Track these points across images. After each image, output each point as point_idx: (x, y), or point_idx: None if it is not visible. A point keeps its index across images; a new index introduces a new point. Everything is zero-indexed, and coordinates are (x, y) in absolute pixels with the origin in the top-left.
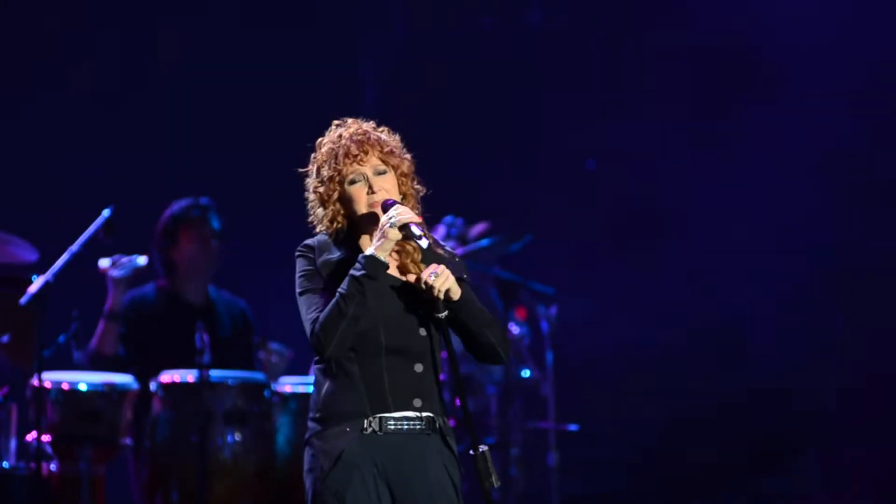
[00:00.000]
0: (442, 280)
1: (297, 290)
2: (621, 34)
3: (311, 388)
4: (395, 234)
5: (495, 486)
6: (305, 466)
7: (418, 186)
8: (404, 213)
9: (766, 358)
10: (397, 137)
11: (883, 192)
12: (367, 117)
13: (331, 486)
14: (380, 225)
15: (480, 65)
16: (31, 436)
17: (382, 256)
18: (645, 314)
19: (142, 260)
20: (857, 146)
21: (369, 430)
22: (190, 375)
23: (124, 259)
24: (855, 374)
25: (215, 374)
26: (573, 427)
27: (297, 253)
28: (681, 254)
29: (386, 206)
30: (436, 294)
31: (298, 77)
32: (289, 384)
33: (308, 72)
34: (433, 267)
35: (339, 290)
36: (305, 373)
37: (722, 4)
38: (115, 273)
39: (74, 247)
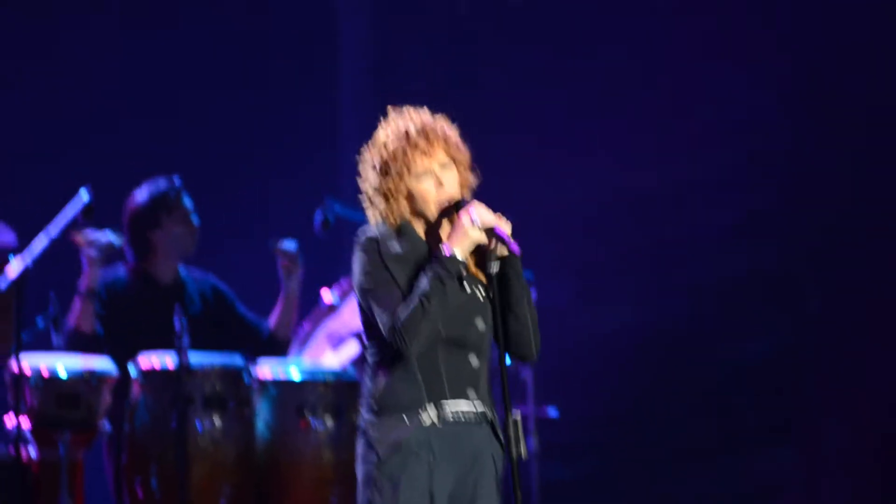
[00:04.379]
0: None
1: (363, 286)
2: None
3: (290, 375)
4: (478, 236)
5: (523, 456)
6: (359, 455)
7: (473, 178)
8: (485, 215)
9: (745, 342)
10: (455, 127)
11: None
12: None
13: (386, 471)
14: (461, 224)
15: (459, 45)
16: (9, 421)
17: (461, 256)
18: (624, 298)
19: (118, 239)
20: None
21: (428, 422)
22: (169, 360)
23: (101, 237)
24: (835, 356)
25: (195, 359)
26: (553, 412)
27: (359, 245)
28: (659, 238)
29: (459, 203)
30: (492, 243)
31: (271, 55)
32: (269, 370)
33: (281, 53)
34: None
35: (421, 290)
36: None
37: None
38: (92, 252)
39: (54, 233)
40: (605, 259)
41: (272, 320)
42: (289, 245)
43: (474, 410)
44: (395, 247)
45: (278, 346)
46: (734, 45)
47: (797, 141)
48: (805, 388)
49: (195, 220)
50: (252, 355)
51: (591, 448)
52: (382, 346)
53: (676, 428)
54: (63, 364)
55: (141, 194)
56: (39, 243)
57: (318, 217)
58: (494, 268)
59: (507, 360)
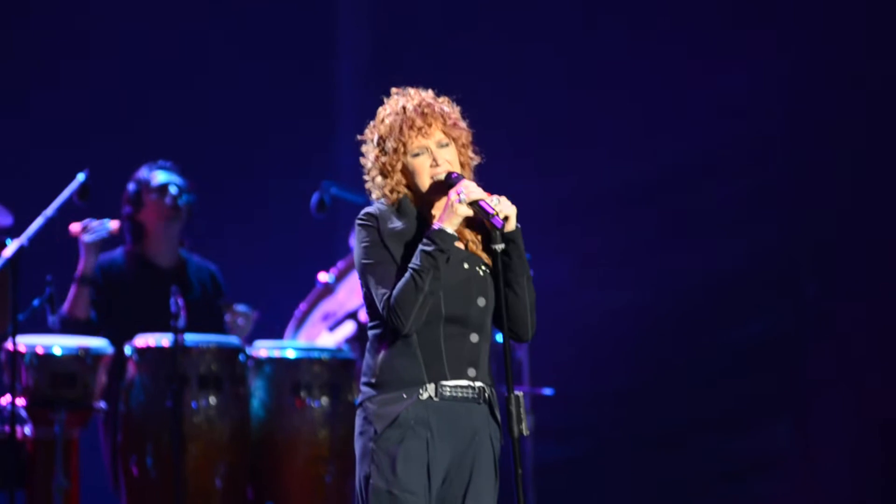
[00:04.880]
0: (506, 205)
1: (362, 260)
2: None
3: (285, 353)
4: (465, 211)
5: (525, 433)
6: (357, 430)
7: (474, 156)
8: (473, 190)
9: (743, 325)
10: (456, 108)
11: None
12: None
13: (383, 444)
14: (448, 200)
15: (457, 25)
16: (5, 400)
17: (451, 230)
18: (622, 280)
19: (112, 224)
20: None
21: (425, 395)
22: (165, 339)
23: (95, 223)
24: (828, 335)
25: (190, 338)
26: (548, 391)
27: (359, 222)
28: (658, 222)
29: (451, 179)
30: (496, 214)
31: (270, 42)
32: (264, 348)
33: (278, 31)
34: (496, 197)
35: (412, 265)
36: (270, 335)
37: None
38: (86, 238)
39: (49, 211)
40: (604, 241)
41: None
42: (241, 309)
43: (473, 388)
44: (395, 223)
45: None
46: (733, 36)
47: (798, 129)
48: (803, 371)
49: (174, 189)
50: None
51: (586, 428)
52: (383, 322)
53: (672, 409)
54: (58, 343)
55: (130, 181)
56: (36, 223)
57: (314, 198)
58: (500, 245)
59: (499, 338)
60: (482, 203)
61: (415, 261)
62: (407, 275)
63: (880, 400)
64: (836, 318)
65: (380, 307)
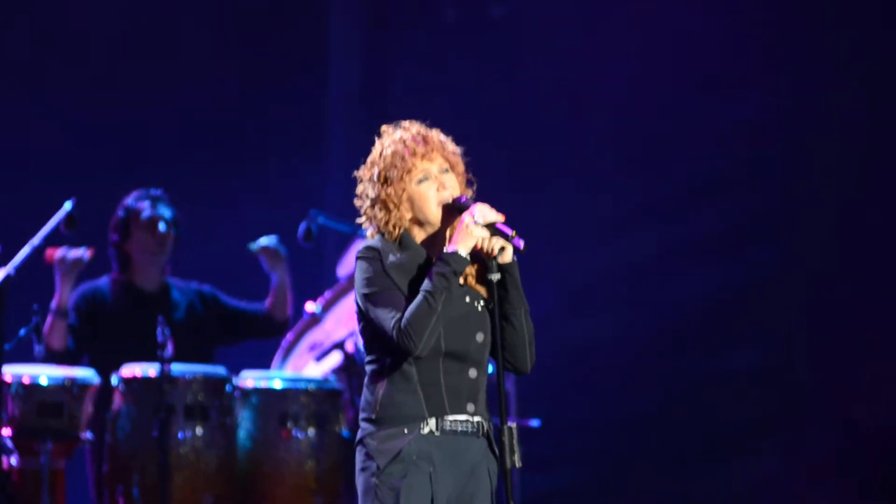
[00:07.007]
0: (500, 243)
1: (365, 292)
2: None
3: (272, 383)
4: (481, 232)
5: (517, 465)
6: (358, 466)
7: (468, 187)
8: (488, 212)
9: (731, 352)
10: (451, 138)
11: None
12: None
13: (386, 480)
14: (462, 223)
15: (446, 56)
16: None
17: (464, 253)
18: (608, 309)
19: (87, 253)
20: None
21: (426, 430)
22: (151, 370)
23: (70, 254)
24: (822, 361)
25: (176, 368)
26: (535, 422)
27: (360, 255)
28: (646, 244)
29: (459, 203)
30: (491, 249)
31: (259, 69)
32: (251, 378)
33: (269, 60)
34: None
35: (425, 287)
36: (257, 365)
37: None
38: (62, 268)
39: (36, 240)
40: (592, 268)
41: (266, 303)
42: (266, 241)
43: (472, 422)
44: (397, 257)
45: (276, 326)
46: (732, 64)
47: (792, 156)
48: (792, 398)
49: (163, 226)
50: (256, 338)
51: (573, 459)
52: (382, 356)
53: (662, 438)
54: (45, 373)
55: (119, 208)
56: (22, 252)
57: (301, 228)
58: (496, 275)
59: (491, 369)
60: (499, 225)
61: (427, 283)
62: (419, 296)
63: (872, 429)
64: (829, 345)
65: (389, 330)
